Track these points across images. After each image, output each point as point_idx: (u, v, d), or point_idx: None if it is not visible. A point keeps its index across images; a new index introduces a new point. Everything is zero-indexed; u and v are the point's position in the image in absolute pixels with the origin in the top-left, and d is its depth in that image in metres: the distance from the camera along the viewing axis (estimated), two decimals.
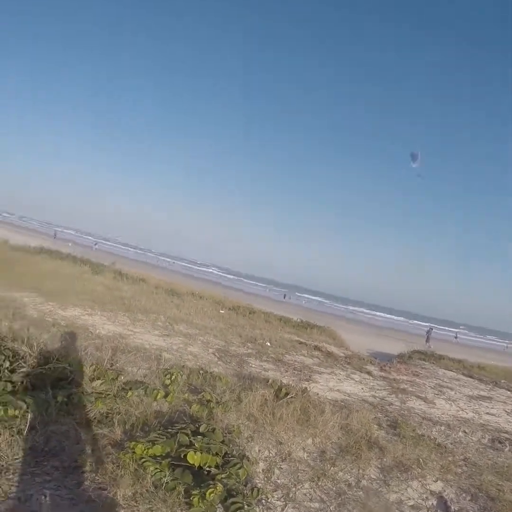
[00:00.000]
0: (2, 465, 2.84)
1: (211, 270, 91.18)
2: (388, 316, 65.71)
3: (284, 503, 3.14)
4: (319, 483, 3.54)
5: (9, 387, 3.49)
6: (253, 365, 7.67)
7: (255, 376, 6.67)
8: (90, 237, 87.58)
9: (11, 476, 2.75)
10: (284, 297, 53.12)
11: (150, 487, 2.79)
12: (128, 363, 5.45)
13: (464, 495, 3.81)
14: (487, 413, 7.18)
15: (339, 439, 4.45)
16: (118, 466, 2.96)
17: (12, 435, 3.08)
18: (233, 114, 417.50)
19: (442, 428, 5.79)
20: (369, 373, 8.84)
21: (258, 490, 3.02)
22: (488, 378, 11.00)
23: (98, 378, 4.30)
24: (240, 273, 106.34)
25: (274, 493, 3.24)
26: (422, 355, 13.79)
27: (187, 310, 11.81)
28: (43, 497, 2.61)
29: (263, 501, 3.07)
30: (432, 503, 3.60)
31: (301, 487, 3.41)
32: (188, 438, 3.24)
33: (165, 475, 2.86)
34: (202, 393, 4.72)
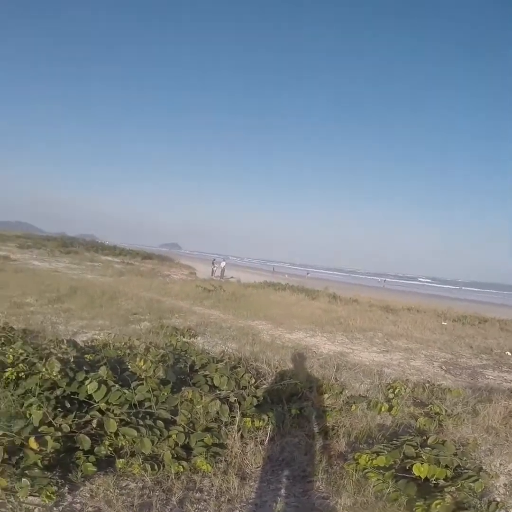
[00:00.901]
0: (247, 473, 3.18)
1: (420, 283, 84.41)
2: None
3: None
4: None
5: (255, 401, 3.90)
6: (490, 377, 6.83)
7: (494, 387, 5.94)
8: (301, 268, 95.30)
9: (252, 484, 3.06)
10: None
11: (370, 498, 2.78)
12: (350, 378, 5.68)
13: None
14: None
15: None
16: (341, 476, 3.08)
17: (256, 445, 3.44)
18: None
19: None
20: None
21: (497, 504, 2.67)
22: None
23: (325, 393, 4.61)
24: (456, 282, 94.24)
25: None
26: None
27: (404, 325, 11.37)
28: (274, 504, 2.81)
29: None
30: None
31: None
32: (415, 449, 3.08)
33: (388, 486, 2.78)
34: (429, 406, 4.52)
